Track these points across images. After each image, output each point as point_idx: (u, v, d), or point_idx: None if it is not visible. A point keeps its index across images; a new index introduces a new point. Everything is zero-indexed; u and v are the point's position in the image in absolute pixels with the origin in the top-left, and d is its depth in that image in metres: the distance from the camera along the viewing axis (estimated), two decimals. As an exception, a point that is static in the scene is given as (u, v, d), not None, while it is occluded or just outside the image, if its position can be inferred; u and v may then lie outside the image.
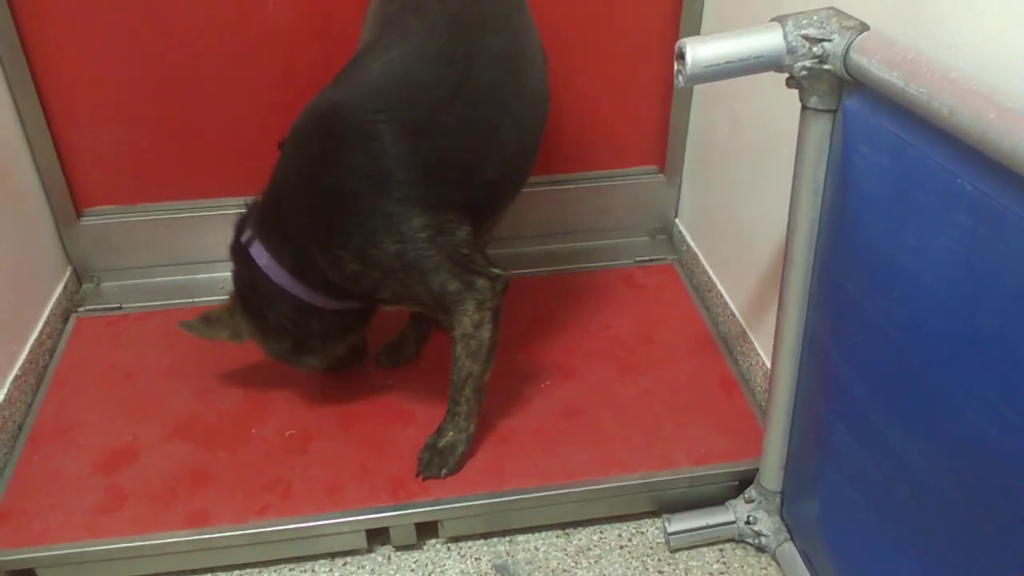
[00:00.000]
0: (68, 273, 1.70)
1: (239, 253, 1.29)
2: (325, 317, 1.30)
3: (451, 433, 1.32)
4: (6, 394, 1.39)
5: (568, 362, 1.54)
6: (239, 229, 1.30)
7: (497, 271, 1.24)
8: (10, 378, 1.42)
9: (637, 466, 1.33)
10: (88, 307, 1.68)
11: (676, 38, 1.66)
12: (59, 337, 1.60)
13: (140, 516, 1.25)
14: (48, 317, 1.59)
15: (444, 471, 1.31)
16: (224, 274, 1.67)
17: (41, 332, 1.55)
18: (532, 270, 1.77)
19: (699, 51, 0.89)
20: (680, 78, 0.92)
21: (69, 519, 1.25)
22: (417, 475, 1.31)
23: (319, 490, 1.29)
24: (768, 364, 1.39)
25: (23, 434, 1.39)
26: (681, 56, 0.91)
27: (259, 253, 1.26)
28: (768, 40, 0.90)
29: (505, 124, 1.23)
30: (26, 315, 1.53)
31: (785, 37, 0.90)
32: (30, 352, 1.49)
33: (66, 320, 1.65)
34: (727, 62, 0.90)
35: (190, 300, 1.68)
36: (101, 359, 1.55)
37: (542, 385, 1.49)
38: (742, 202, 1.54)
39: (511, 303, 1.65)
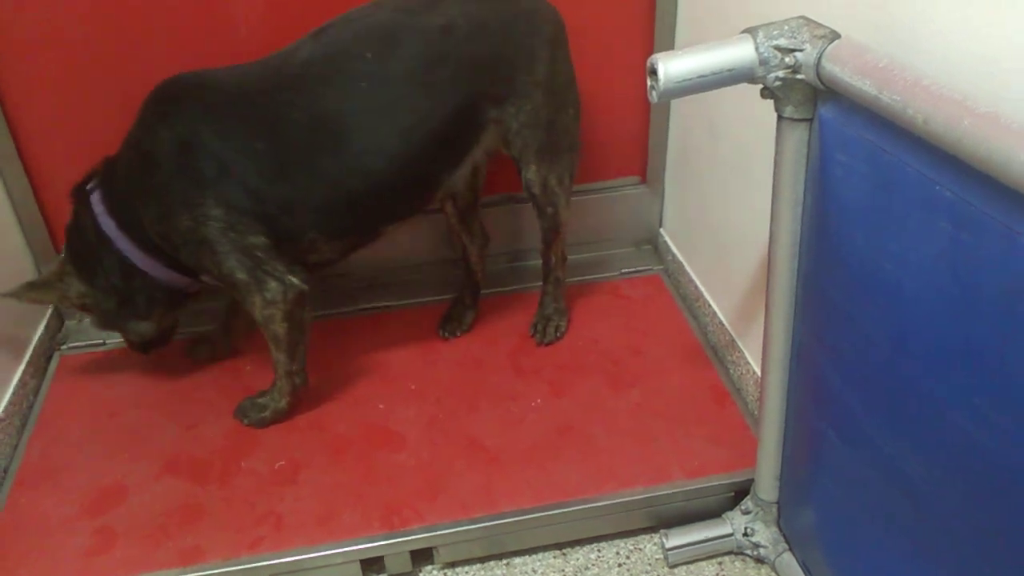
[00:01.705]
0: (49, 311, 1.68)
1: (80, 197, 1.36)
2: (147, 280, 1.38)
3: (267, 396, 1.43)
4: (-10, 438, 1.37)
5: (558, 378, 1.53)
6: (88, 176, 1.36)
7: (293, 280, 1.30)
8: (-7, 421, 1.40)
9: (632, 481, 1.31)
10: (71, 344, 1.66)
11: (651, 50, 1.67)
12: (43, 376, 1.59)
13: (131, 556, 1.23)
14: (31, 357, 1.57)
15: (246, 420, 1.43)
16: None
17: (24, 373, 1.53)
18: (519, 286, 1.77)
19: (671, 66, 0.89)
20: (653, 94, 0.91)
21: (58, 563, 1.23)
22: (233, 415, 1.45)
23: (311, 521, 1.27)
24: (759, 373, 1.39)
25: (9, 477, 1.37)
26: (653, 72, 0.90)
27: (97, 200, 1.33)
28: (740, 52, 0.89)
29: (325, 165, 1.26)
30: (8, 356, 1.51)
31: (757, 49, 0.89)
32: (13, 394, 1.47)
33: (49, 359, 1.63)
34: (700, 76, 0.90)
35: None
36: (86, 397, 1.53)
37: (533, 403, 1.48)
38: (725, 210, 1.53)
39: (499, 319, 1.68)
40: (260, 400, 1.44)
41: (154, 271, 1.37)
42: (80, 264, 1.38)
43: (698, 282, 1.68)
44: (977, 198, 0.71)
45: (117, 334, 1.65)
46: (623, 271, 1.81)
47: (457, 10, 1.30)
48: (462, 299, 1.67)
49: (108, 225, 1.33)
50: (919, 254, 0.79)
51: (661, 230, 1.87)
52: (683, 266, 1.75)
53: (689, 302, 1.72)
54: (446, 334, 1.63)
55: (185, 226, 1.25)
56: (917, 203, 0.79)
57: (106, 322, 1.45)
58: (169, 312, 1.47)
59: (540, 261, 1.61)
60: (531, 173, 1.42)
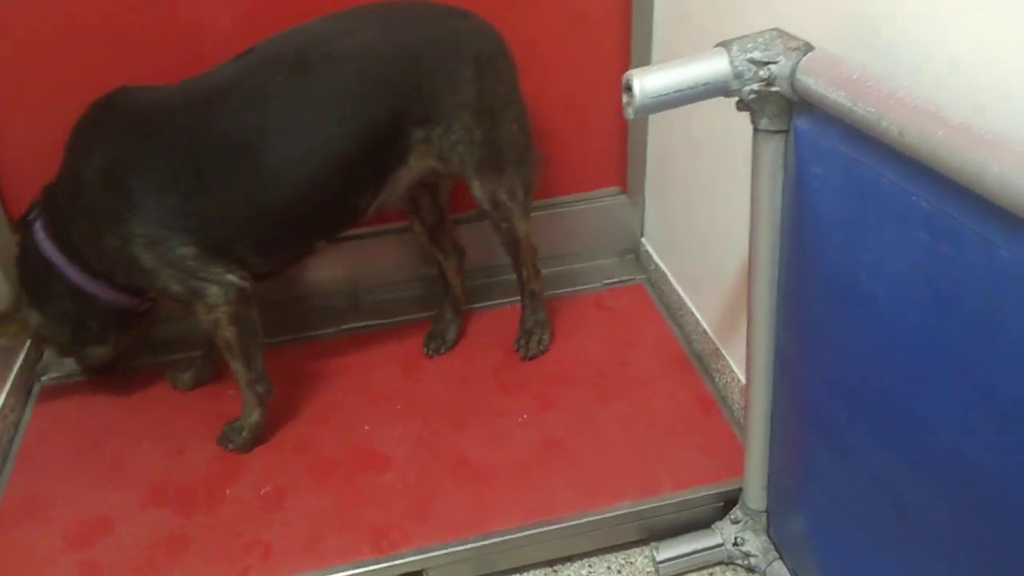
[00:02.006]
0: (28, 341, 1.66)
1: (24, 226, 1.38)
2: (97, 303, 1.40)
3: (241, 417, 1.43)
4: (-31, 474, 1.35)
5: (545, 392, 1.53)
6: (30, 206, 1.39)
7: (232, 279, 1.31)
8: (-27, 456, 1.38)
9: (621, 495, 1.31)
10: (51, 375, 1.63)
11: (627, 62, 1.67)
12: (23, 408, 1.56)
13: (117, 591, 1.22)
14: (10, 389, 1.54)
15: (230, 446, 1.43)
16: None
17: (3, 406, 1.50)
18: (501, 300, 1.76)
19: (646, 82, 0.89)
20: (629, 110, 0.91)
21: (42, 600, 1.21)
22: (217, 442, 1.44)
23: (298, 547, 1.26)
24: (744, 381, 1.39)
25: (-10, 513, 1.35)
26: (628, 88, 0.90)
27: (39, 228, 1.35)
28: (714, 66, 0.90)
29: (240, 182, 1.28)
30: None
31: (731, 62, 0.90)
32: (-7, 427, 1.45)
33: (29, 390, 1.61)
34: (675, 91, 0.90)
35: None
36: (68, 428, 1.51)
37: (519, 418, 1.47)
38: (706, 219, 1.54)
39: (483, 335, 1.67)
40: (236, 423, 1.44)
41: (102, 293, 1.39)
42: (32, 293, 1.41)
43: (681, 291, 1.68)
44: (954, 209, 0.72)
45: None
46: (605, 282, 1.81)
47: (375, 35, 1.31)
48: (444, 315, 1.66)
49: (51, 252, 1.35)
50: (895, 265, 0.80)
51: (643, 240, 1.87)
52: (666, 275, 1.75)
53: (672, 311, 1.72)
54: (430, 351, 1.63)
55: (113, 246, 1.28)
56: (893, 214, 0.79)
57: (64, 350, 1.48)
58: (124, 333, 1.49)
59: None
60: (476, 189, 1.43)
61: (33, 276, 1.40)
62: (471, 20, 1.39)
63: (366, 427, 1.47)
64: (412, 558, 1.24)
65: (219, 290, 1.31)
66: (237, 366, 1.38)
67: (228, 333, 1.34)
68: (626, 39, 1.65)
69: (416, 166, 1.38)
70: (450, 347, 1.64)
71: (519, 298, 1.64)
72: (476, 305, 1.75)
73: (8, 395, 1.53)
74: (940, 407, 0.78)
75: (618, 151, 1.80)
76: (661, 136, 1.70)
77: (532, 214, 1.66)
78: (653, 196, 1.81)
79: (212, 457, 1.42)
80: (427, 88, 1.32)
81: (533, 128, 1.67)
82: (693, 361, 1.58)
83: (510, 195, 1.44)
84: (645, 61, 1.65)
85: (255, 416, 1.42)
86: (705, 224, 1.54)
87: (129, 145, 1.27)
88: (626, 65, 1.67)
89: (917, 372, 0.80)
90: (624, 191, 1.85)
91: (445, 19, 1.37)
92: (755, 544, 1.26)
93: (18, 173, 1.55)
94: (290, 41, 1.31)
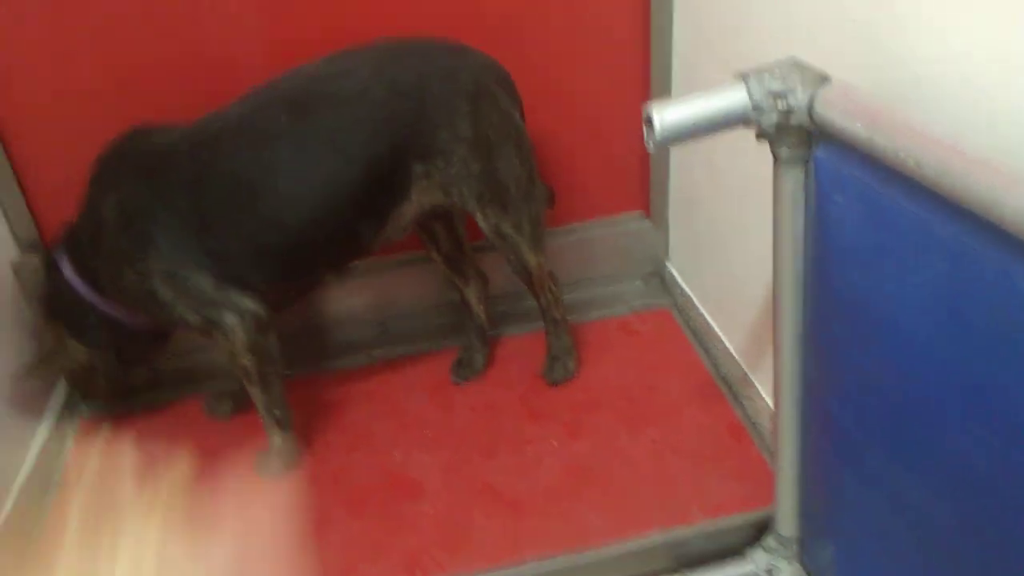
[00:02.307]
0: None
1: (50, 263, 1.44)
2: (128, 329, 1.46)
3: (272, 444, 1.47)
4: (13, 503, 1.38)
5: (573, 419, 1.53)
6: (53, 243, 1.46)
7: (249, 305, 1.35)
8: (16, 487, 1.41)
9: (652, 523, 1.31)
10: (92, 407, 1.67)
11: (648, 88, 1.69)
12: (63, 441, 1.60)
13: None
14: (53, 422, 1.58)
15: (266, 475, 1.44)
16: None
17: (46, 438, 1.54)
18: (530, 326, 1.77)
19: (666, 115, 0.90)
20: (650, 143, 0.92)
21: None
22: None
23: (333, 574, 1.27)
24: (773, 407, 1.38)
25: (32, 543, 1.38)
26: (649, 121, 0.91)
27: (66, 265, 1.42)
28: (733, 98, 0.91)
29: (243, 220, 1.33)
30: (28, 421, 1.53)
31: (750, 94, 0.90)
32: (36, 459, 1.49)
33: (69, 423, 1.64)
34: (695, 124, 0.91)
35: (190, 389, 1.67)
36: (107, 460, 1.54)
37: (549, 446, 1.48)
38: (730, 243, 1.54)
39: (511, 362, 1.68)
40: (267, 452, 1.47)
41: (132, 320, 1.45)
42: (70, 327, 1.47)
43: (707, 316, 1.69)
44: (971, 237, 0.72)
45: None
46: (631, 306, 1.82)
47: (371, 75, 1.34)
48: (471, 342, 1.68)
49: (80, 286, 1.42)
50: (916, 293, 0.80)
51: (668, 264, 1.88)
52: (692, 300, 1.75)
53: (699, 336, 1.72)
54: (459, 379, 1.64)
55: (133, 281, 1.34)
56: (913, 242, 0.80)
57: (108, 380, 1.54)
58: (159, 352, 1.60)
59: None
60: (480, 221, 1.45)
61: (67, 311, 1.45)
62: (467, 56, 1.42)
63: (397, 455, 1.49)
64: (446, 587, 1.25)
65: (236, 319, 1.35)
66: (254, 391, 1.42)
67: (246, 361, 1.38)
68: (646, 64, 1.67)
69: (419, 200, 1.41)
70: (478, 374, 1.65)
71: (538, 324, 1.65)
72: (504, 331, 1.76)
73: (50, 428, 1.57)
74: (965, 434, 0.77)
75: (640, 175, 1.82)
76: (684, 160, 1.71)
77: (556, 240, 1.68)
78: (677, 220, 1.82)
79: (234, 487, 1.44)
80: (424, 124, 1.36)
81: (556, 155, 1.70)
82: (721, 387, 1.58)
83: (516, 228, 1.45)
84: (665, 85, 1.67)
85: (278, 440, 1.45)
86: (730, 248, 1.55)
87: (140, 187, 1.32)
88: (647, 90, 1.69)
89: (940, 399, 0.80)
90: (648, 215, 1.86)
91: (441, 56, 1.40)
92: (788, 572, 1.25)
93: (49, 204, 1.60)
94: (291, 83, 1.36)
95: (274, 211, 1.33)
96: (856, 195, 0.87)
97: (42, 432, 1.55)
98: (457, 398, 1.61)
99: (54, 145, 1.55)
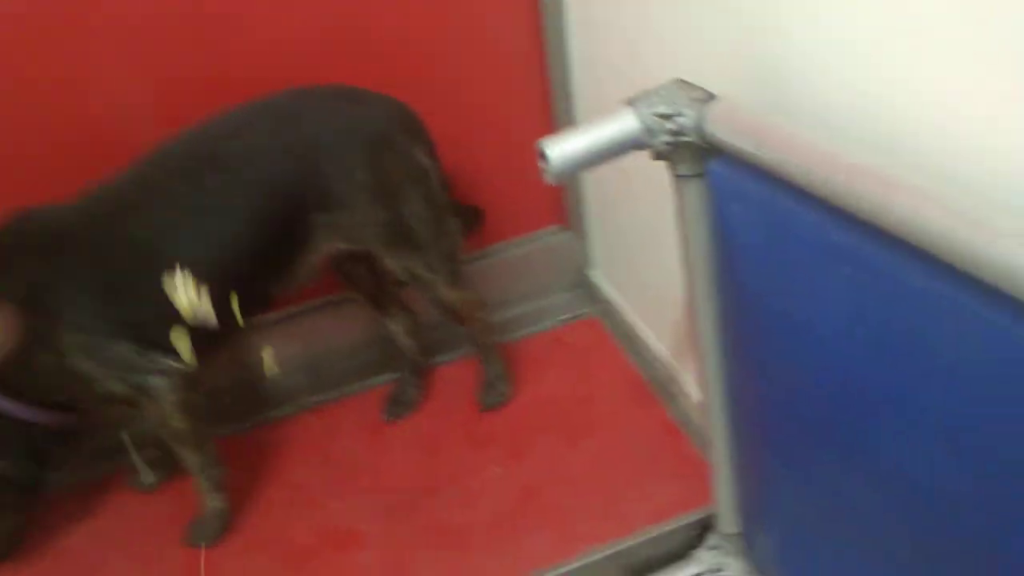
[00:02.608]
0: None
1: None
2: (37, 429, 1.33)
3: (206, 507, 1.42)
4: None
5: (513, 442, 1.53)
6: None
7: (174, 364, 1.31)
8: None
9: (600, 536, 1.32)
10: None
11: (551, 102, 1.70)
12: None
13: None
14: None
15: (204, 543, 1.41)
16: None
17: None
18: (461, 352, 1.76)
19: (559, 150, 0.91)
20: (548, 176, 0.93)
21: None
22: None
23: (281, 641, 1.25)
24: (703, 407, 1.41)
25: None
26: (543, 156, 0.92)
27: None
28: (623, 125, 0.92)
29: (144, 287, 1.27)
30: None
31: (639, 119, 0.92)
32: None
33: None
34: (589, 153, 0.92)
35: (107, 467, 1.61)
36: (32, 553, 1.47)
37: (491, 473, 1.47)
38: (649, 247, 1.56)
39: (447, 389, 1.67)
40: (201, 517, 1.43)
41: (41, 418, 1.34)
42: None
43: (634, 320, 1.70)
44: (867, 242, 0.74)
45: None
46: (559, 319, 1.83)
47: (264, 135, 1.33)
48: (404, 378, 1.66)
49: None
50: (822, 296, 0.82)
51: (590, 273, 1.89)
52: (617, 305, 1.77)
53: (628, 341, 1.73)
54: (392, 417, 1.63)
55: (49, 363, 1.27)
56: (814, 248, 0.82)
57: (24, 491, 1.40)
58: (64, 452, 1.44)
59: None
60: (390, 264, 1.44)
61: None
62: (366, 105, 1.40)
63: (335, 505, 1.46)
64: (400, 634, 1.23)
65: (163, 380, 1.31)
66: (187, 454, 1.38)
67: (177, 423, 1.34)
68: (546, 83, 1.68)
69: (324, 248, 1.40)
70: (412, 410, 1.64)
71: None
72: (439, 359, 1.75)
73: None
74: (881, 429, 0.80)
75: (555, 189, 1.82)
76: (595, 171, 1.72)
77: (478, 263, 1.68)
78: (595, 228, 1.83)
79: (184, 562, 1.40)
80: (320, 179, 1.34)
81: (468, 180, 1.70)
82: (653, 389, 1.60)
83: (428, 268, 1.45)
84: (567, 103, 1.68)
85: (217, 502, 1.42)
86: (650, 252, 1.56)
87: (40, 267, 1.27)
88: (550, 106, 1.70)
89: (856, 397, 0.82)
90: (567, 226, 1.87)
91: (336, 107, 1.38)
92: (735, 569, 1.27)
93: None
94: (184, 146, 1.33)
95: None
96: (753, 205, 0.88)
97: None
98: (395, 436, 1.59)
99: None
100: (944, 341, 0.69)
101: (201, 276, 1.29)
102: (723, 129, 0.85)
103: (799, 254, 0.84)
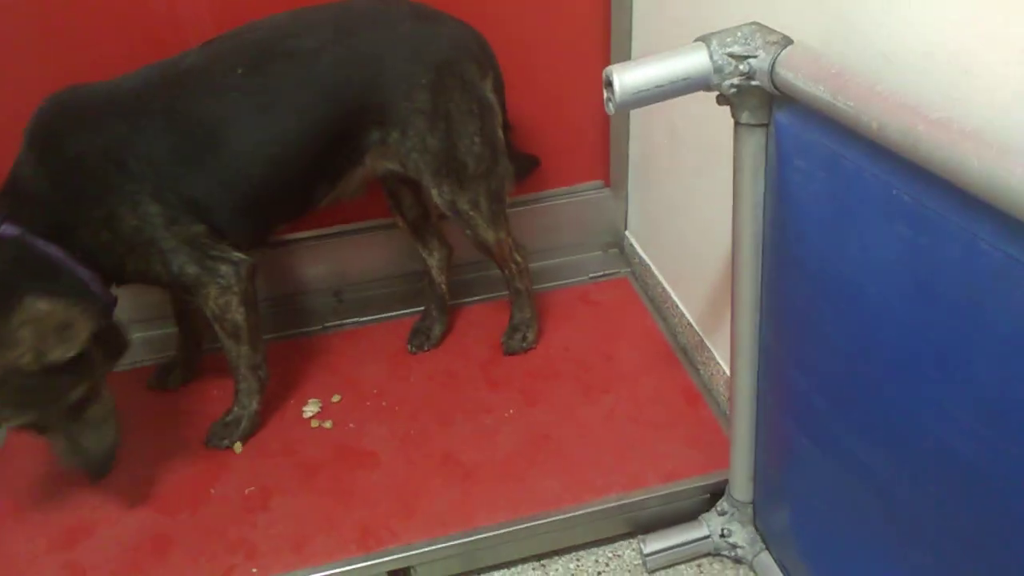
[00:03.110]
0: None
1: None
2: (103, 304, 1.29)
3: (235, 409, 1.43)
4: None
5: (531, 387, 1.53)
6: None
7: (240, 256, 1.34)
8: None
9: (609, 488, 1.31)
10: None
11: (608, 58, 1.67)
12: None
13: (101, 593, 1.21)
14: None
15: (225, 442, 1.42)
16: (165, 331, 1.65)
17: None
18: (488, 295, 1.76)
19: (626, 78, 0.88)
20: (610, 105, 0.91)
21: (26, 604, 1.20)
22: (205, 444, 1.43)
23: (284, 546, 1.25)
24: (728, 373, 1.39)
25: (-28, 517, 1.34)
26: (609, 84, 0.90)
27: (17, 232, 1.21)
28: (694, 61, 0.89)
29: (209, 165, 1.28)
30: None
31: (711, 56, 0.89)
32: (-26, 430, 1.44)
33: (10, 392, 1.59)
34: (655, 86, 0.89)
35: (131, 362, 1.62)
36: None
37: (506, 414, 1.47)
38: (689, 211, 1.54)
39: (471, 330, 1.67)
40: (229, 417, 1.43)
41: (101, 292, 1.30)
42: (42, 287, 1.20)
43: (665, 284, 1.69)
44: (934, 202, 0.72)
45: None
46: (591, 275, 1.81)
47: (332, 37, 1.31)
48: (429, 312, 1.66)
49: (50, 249, 1.23)
50: (878, 258, 0.80)
51: (627, 233, 1.87)
52: (650, 268, 1.75)
53: (657, 304, 1.72)
54: (413, 348, 1.63)
55: (131, 227, 1.25)
56: (875, 207, 0.79)
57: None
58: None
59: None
60: (435, 196, 1.42)
61: (41, 280, 1.21)
62: (437, 25, 1.37)
63: (352, 425, 1.46)
64: (399, 555, 1.23)
65: (231, 269, 1.32)
66: (244, 350, 1.37)
67: (238, 315, 1.34)
68: (606, 33, 1.64)
69: (373, 166, 1.39)
70: (435, 344, 1.64)
71: (507, 292, 1.63)
72: (465, 300, 1.75)
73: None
74: (922, 399, 0.78)
75: (601, 145, 1.80)
76: (643, 129, 1.70)
77: (516, 210, 1.66)
78: (636, 189, 1.81)
79: (196, 459, 1.41)
80: (382, 93, 1.32)
81: (517, 125, 1.67)
82: (678, 354, 1.58)
83: (472, 205, 1.43)
84: (625, 55, 1.65)
85: (254, 404, 1.43)
86: (688, 217, 1.54)
87: (118, 127, 1.25)
88: (606, 59, 1.67)
89: (900, 364, 0.80)
90: (607, 185, 1.85)
91: (409, 22, 1.35)
92: (742, 535, 1.26)
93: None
94: (252, 35, 1.32)
95: (236, 160, 1.29)
96: (817, 159, 0.86)
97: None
98: (414, 367, 1.59)
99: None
100: (1004, 309, 0.67)
101: (258, 167, 1.30)
102: (798, 75, 0.82)
103: (858, 212, 0.82)
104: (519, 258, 1.56)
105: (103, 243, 1.26)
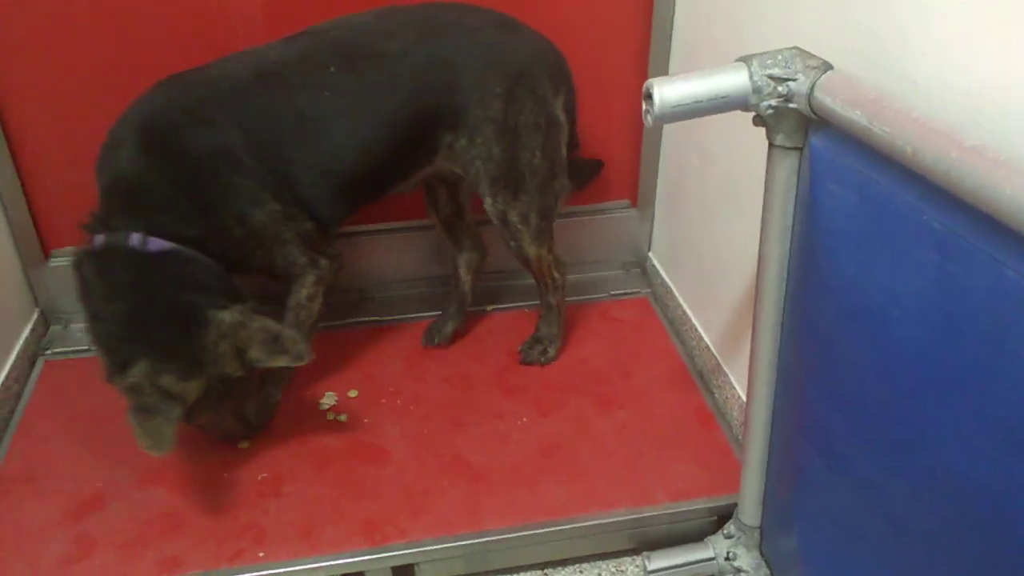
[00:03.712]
0: (35, 315, 1.67)
1: (141, 264, 1.21)
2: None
3: (267, 395, 1.46)
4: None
5: (545, 397, 1.54)
6: (91, 244, 1.24)
7: (335, 251, 1.42)
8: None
9: (616, 503, 1.32)
10: (56, 350, 1.65)
11: (645, 75, 1.69)
12: (26, 381, 1.57)
13: (109, 565, 1.22)
14: (15, 361, 1.56)
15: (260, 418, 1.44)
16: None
17: (7, 376, 1.52)
18: (509, 305, 1.77)
19: (666, 91, 0.90)
20: (648, 118, 0.93)
21: (36, 569, 1.21)
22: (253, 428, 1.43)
23: (293, 534, 1.26)
24: (743, 397, 1.40)
25: (-12, 482, 1.36)
26: (648, 96, 0.92)
27: (153, 241, 1.22)
28: (734, 80, 0.91)
29: (304, 158, 1.33)
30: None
31: (751, 77, 0.91)
32: (-5, 397, 1.46)
33: (33, 363, 1.62)
34: (694, 102, 0.91)
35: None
36: (70, 403, 1.52)
37: (519, 421, 1.48)
38: (714, 236, 1.55)
39: (491, 336, 1.69)
40: (251, 404, 1.41)
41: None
42: (216, 298, 1.24)
43: (686, 306, 1.70)
44: (964, 229, 0.73)
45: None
46: (612, 293, 1.82)
47: (413, 39, 1.35)
48: (448, 310, 1.68)
49: (195, 255, 1.26)
50: (906, 283, 0.81)
51: (650, 254, 1.89)
52: (671, 290, 1.76)
53: (676, 325, 1.73)
54: (425, 341, 1.66)
55: (260, 223, 1.30)
56: (905, 233, 0.80)
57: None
58: None
59: (530, 280, 1.61)
60: (487, 204, 1.45)
61: (205, 291, 1.24)
62: (519, 37, 1.42)
63: (367, 420, 1.48)
64: (404, 551, 1.24)
65: (327, 263, 1.40)
66: (300, 337, 1.31)
67: (318, 304, 1.42)
68: (644, 52, 1.67)
69: (441, 167, 1.44)
70: (447, 341, 1.66)
71: (533, 302, 1.66)
72: (490, 307, 1.76)
73: (12, 367, 1.54)
74: (942, 425, 0.79)
75: (631, 164, 1.82)
76: (674, 152, 1.72)
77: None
78: (663, 211, 1.82)
79: (211, 441, 1.43)
80: (458, 97, 1.36)
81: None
82: (694, 376, 1.59)
83: (522, 218, 1.45)
84: (662, 74, 1.66)
85: (278, 393, 1.47)
86: (713, 241, 1.55)
87: (230, 125, 1.28)
88: (643, 78, 1.68)
89: (921, 389, 0.81)
90: (634, 205, 1.86)
91: (490, 31, 1.40)
92: (747, 560, 1.26)
93: (40, 159, 1.58)
94: (339, 33, 1.37)
95: (331, 154, 1.34)
96: (850, 184, 0.87)
97: (5, 372, 1.52)
98: (431, 369, 1.61)
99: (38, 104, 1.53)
100: (1028, 338, 0.68)
101: (348, 162, 1.35)
102: (835, 99, 0.84)
103: (888, 237, 0.83)
104: (557, 275, 1.57)
105: (236, 240, 1.30)
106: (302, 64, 1.33)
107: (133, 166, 1.25)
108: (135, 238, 1.21)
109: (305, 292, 1.39)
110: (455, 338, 1.67)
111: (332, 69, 1.32)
